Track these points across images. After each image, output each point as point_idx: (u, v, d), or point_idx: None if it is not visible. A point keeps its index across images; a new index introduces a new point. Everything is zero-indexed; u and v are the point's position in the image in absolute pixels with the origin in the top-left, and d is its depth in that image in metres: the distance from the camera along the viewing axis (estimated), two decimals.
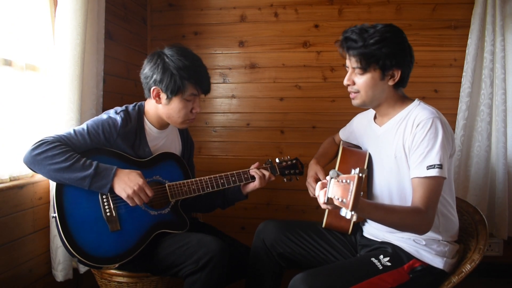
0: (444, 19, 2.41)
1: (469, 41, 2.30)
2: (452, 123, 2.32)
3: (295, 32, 2.53)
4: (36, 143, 1.39)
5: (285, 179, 1.77)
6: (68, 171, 1.36)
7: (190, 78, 1.48)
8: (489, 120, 2.28)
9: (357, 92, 1.40)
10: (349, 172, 1.42)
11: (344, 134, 1.76)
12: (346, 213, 0.93)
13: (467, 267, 1.34)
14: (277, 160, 1.76)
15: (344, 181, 0.95)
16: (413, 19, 2.43)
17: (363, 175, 0.90)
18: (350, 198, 0.90)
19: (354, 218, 0.92)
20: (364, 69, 1.35)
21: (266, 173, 1.66)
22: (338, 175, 1.00)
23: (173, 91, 1.48)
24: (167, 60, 1.48)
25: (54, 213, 1.39)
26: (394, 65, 1.33)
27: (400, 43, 1.35)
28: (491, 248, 2.44)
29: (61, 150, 1.38)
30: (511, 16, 2.36)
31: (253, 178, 1.66)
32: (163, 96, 1.51)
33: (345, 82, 1.42)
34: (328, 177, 1.03)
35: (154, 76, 1.49)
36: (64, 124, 1.69)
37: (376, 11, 2.45)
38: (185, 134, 1.78)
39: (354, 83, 1.40)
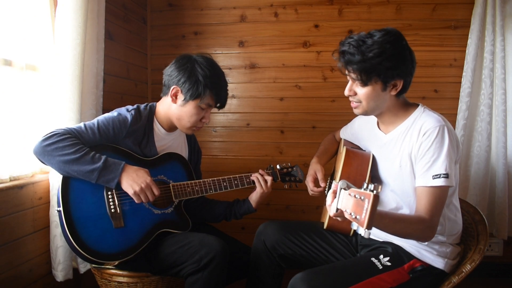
0: (444, 19, 2.41)
1: (469, 41, 2.30)
2: (452, 123, 2.32)
3: (295, 32, 2.53)
4: (47, 134, 1.40)
5: (285, 186, 1.79)
6: (77, 163, 1.37)
7: (213, 89, 1.52)
8: (489, 120, 2.28)
9: (359, 102, 1.36)
10: (353, 175, 1.43)
11: (345, 134, 1.75)
12: (358, 228, 0.92)
13: (467, 267, 1.34)
14: (278, 166, 1.78)
15: (357, 196, 0.92)
16: (413, 19, 2.43)
17: (378, 193, 0.88)
18: (366, 217, 0.88)
19: (367, 235, 0.90)
20: (365, 82, 1.31)
21: (268, 179, 1.69)
22: (348, 186, 0.99)
23: (192, 95, 1.51)
24: (196, 65, 1.52)
25: (59, 207, 1.40)
26: (396, 76, 1.30)
27: (401, 52, 1.29)
28: (491, 248, 2.44)
29: (71, 142, 1.39)
30: (511, 16, 2.36)
31: (254, 183, 1.68)
32: (181, 97, 1.53)
33: (346, 93, 1.38)
34: (337, 187, 1.02)
35: (179, 76, 1.52)
36: (64, 124, 1.68)
37: (376, 11, 2.45)
38: (192, 142, 1.80)
39: (355, 94, 1.36)
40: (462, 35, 2.38)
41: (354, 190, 0.95)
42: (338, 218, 1.07)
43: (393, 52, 1.27)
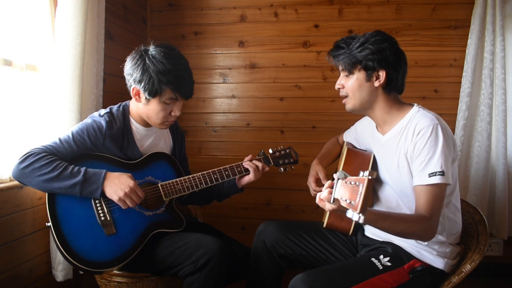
0: (444, 19, 2.41)
1: (469, 41, 2.30)
2: (452, 123, 2.32)
3: (295, 32, 2.53)
4: (23, 156, 1.38)
5: (281, 169, 1.74)
6: (57, 181, 1.35)
7: (169, 83, 1.44)
8: (489, 120, 2.28)
9: (347, 96, 1.43)
10: (354, 174, 1.42)
11: (348, 137, 1.76)
12: (353, 215, 0.92)
13: (467, 267, 1.34)
14: (270, 151, 1.74)
15: (352, 183, 0.94)
16: (413, 19, 2.43)
17: (373, 178, 0.89)
18: (359, 200, 0.89)
19: (361, 220, 0.91)
20: (349, 71, 1.39)
21: (260, 164, 1.65)
22: (345, 177, 0.99)
23: (151, 93, 1.45)
24: (147, 61, 1.44)
25: (48, 222, 1.38)
26: (377, 65, 1.34)
27: (382, 44, 1.35)
28: (491, 248, 2.44)
29: (48, 161, 1.37)
30: (511, 16, 2.36)
31: (247, 171, 1.64)
32: (143, 96, 1.48)
33: (336, 86, 1.46)
34: (335, 178, 1.03)
35: (134, 75, 1.46)
36: (64, 124, 1.69)
37: (376, 11, 2.45)
38: (174, 126, 1.75)
39: (343, 87, 1.43)
40: (462, 35, 2.38)
41: (350, 178, 0.97)
42: (334, 206, 1.05)
43: (375, 42, 1.35)
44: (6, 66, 1.57)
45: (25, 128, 1.67)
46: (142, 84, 1.44)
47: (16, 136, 1.63)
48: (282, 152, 1.75)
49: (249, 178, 1.65)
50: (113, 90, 2.24)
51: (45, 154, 1.38)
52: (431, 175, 1.25)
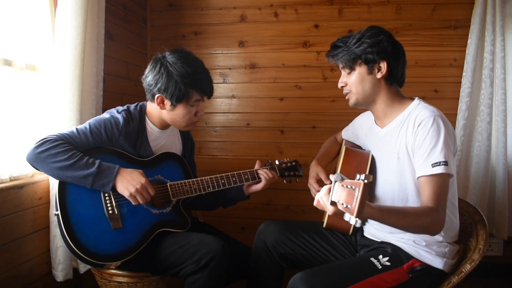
0: (444, 19, 2.41)
1: (469, 41, 2.30)
2: (452, 123, 2.31)
3: (295, 32, 2.53)
4: (39, 141, 1.40)
5: (284, 181, 1.78)
6: (71, 169, 1.37)
7: (195, 86, 1.49)
8: (489, 120, 2.28)
9: (350, 91, 1.44)
10: (352, 174, 1.43)
11: (346, 134, 1.76)
12: (350, 218, 0.92)
13: (467, 267, 1.34)
14: (276, 162, 1.77)
15: (349, 186, 0.94)
16: (413, 19, 2.43)
17: (369, 182, 0.89)
18: (355, 205, 0.89)
19: (358, 224, 0.92)
20: (350, 68, 1.41)
21: (273, 174, 1.68)
22: (342, 179, 0.99)
23: (178, 99, 1.49)
24: (170, 68, 1.48)
25: (57, 210, 1.39)
26: (377, 57, 1.36)
27: (378, 36, 1.37)
28: (491, 248, 2.44)
29: (64, 148, 1.38)
30: (511, 16, 2.36)
31: (253, 179, 1.67)
32: (168, 103, 1.51)
33: (339, 85, 1.47)
34: (332, 180, 1.03)
35: (158, 85, 1.49)
36: (64, 124, 1.69)
37: (376, 11, 2.45)
38: (185, 134, 1.80)
39: (346, 84, 1.44)
40: (462, 35, 2.38)
41: (347, 181, 0.96)
42: (331, 209, 1.04)
43: (371, 36, 1.37)
44: (6, 66, 1.57)
45: (25, 128, 1.67)
46: (169, 91, 1.48)
47: (16, 136, 1.63)
48: (289, 164, 1.79)
49: (258, 186, 1.68)
50: (113, 90, 2.24)
51: (61, 141, 1.41)
52: (435, 165, 1.25)
